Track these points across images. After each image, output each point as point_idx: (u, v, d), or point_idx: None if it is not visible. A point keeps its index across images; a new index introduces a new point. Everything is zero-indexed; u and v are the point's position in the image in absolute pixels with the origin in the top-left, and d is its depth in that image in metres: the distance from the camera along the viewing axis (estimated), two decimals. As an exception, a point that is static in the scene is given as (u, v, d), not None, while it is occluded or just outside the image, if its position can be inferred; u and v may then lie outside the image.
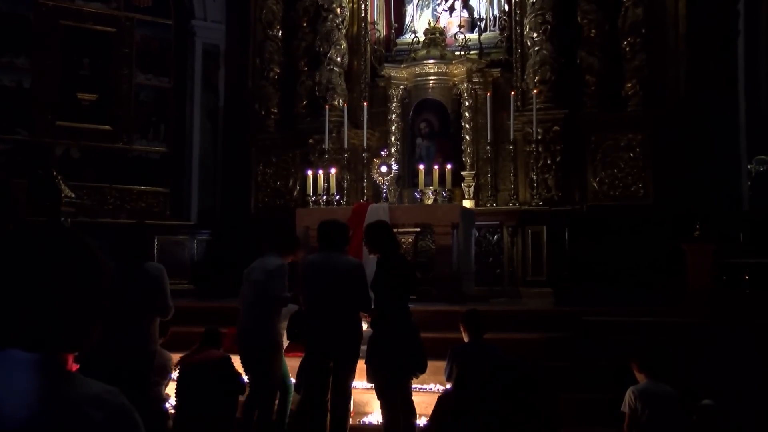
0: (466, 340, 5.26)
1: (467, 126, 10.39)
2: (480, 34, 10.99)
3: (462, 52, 10.75)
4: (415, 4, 11.56)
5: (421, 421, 5.30)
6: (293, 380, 5.72)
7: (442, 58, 10.54)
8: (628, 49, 9.69)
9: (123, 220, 10.03)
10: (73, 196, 8.77)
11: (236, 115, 11.87)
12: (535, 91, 9.67)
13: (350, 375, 5.29)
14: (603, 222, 9.36)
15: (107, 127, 10.38)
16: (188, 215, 11.53)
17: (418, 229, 9.24)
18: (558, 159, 9.76)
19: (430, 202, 8.98)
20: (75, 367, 4.99)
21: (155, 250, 10.15)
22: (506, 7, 10.80)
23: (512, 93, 9.87)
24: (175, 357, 5.63)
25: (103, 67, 10.51)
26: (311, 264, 5.38)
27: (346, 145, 10.15)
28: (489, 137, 9.85)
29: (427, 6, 11.45)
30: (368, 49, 11.30)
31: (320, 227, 5.45)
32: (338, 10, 10.82)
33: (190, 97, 11.80)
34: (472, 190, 10.25)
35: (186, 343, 5.87)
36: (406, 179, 10.54)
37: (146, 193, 10.65)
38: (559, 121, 9.80)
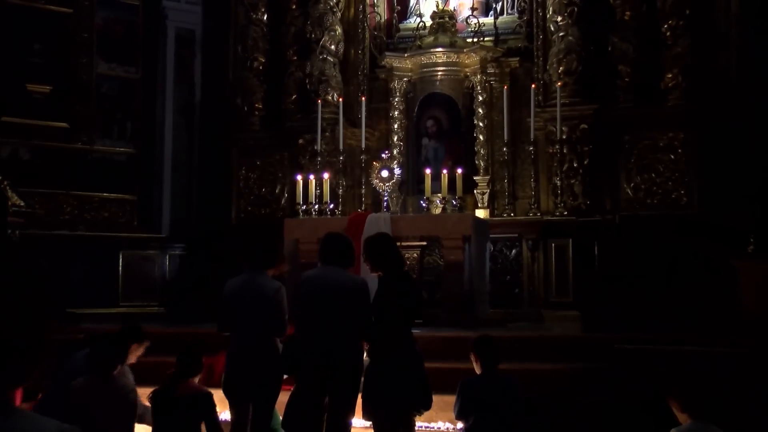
0: (477, 371, 5.22)
1: (481, 124, 10.40)
2: (496, 18, 11.01)
3: (475, 39, 10.78)
4: (421, -17, 11.58)
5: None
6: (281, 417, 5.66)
7: (452, 46, 10.56)
8: (668, 33, 9.65)
9: (82, 232, 10.01)
10: (22, 204, 8.72)
11: (215, 111, 11.87)
12: (559, 84, 9.66)
13: (349, 412, 5.25)
14: (639, 234, 9.31)
15: (63, 124, 10.32)
16: (159, 226, 11.50)
17: (425, 243, 9.23)
18: (586, 162, 9.74)
19: (438, 211, 8.96)
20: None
21: (119, 267, 10.13)
22: (526, -13, 10.83)
23: (533, 86, 9.85)
24: (144, 391, 5.58)
25: (58, 54, 10.38)
26: (309, 280, 5.35)
27: (341, 146, 10.14)
28: (506, 137, 9.84)
29: (435, -15, 11.48)
30: (367, 35, 11.33)
31: (325, 239, 5.44)
32: (332, -10, 10.85)
33: (161, 90, 11.80)
34: (486, 197, 10.25)
35: (156, 376, 5.81)
36: (411, 185, 10.54)
37: (109, 200, 10.59)
38: (588, 118, 9.79)
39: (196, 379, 5.50)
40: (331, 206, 9.53)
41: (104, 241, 10.14)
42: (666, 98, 9.69)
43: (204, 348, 6.25)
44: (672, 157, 9.63)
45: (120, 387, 5.27)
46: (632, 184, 9.76)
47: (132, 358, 5.62)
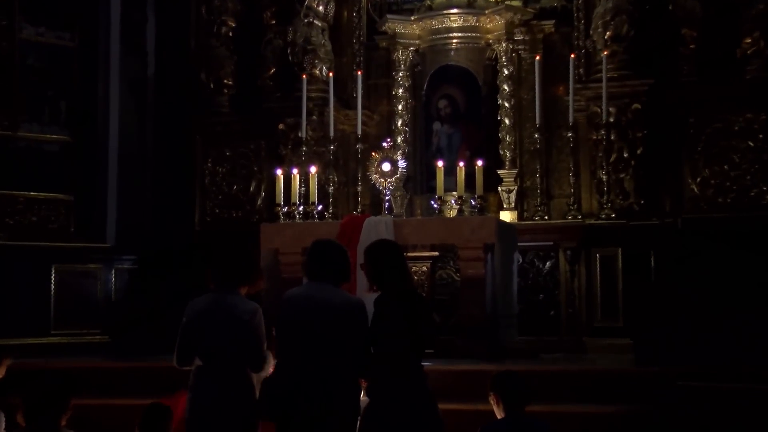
0: (499, 415, 5.21)
1: (506, 104, 10.43)
2: (525, -28, 11.03)
3: (499, -2, 10.78)
4: (430, -72, 11.59)
5: None
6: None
7: (471, 7, 10.61)
8: (747, -14, 9.68)
9: (2, 241, 9.96)
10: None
11: (173, 88, 11.89)
12: (605, 53, 9.68)
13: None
14: (707, 241, 9.30)
15: (-23, 105, 10.35)
16: (102, 234, 11.46)
17: (436, 254, 9.23)
18: (639, 151, 9.78)
19: (453, 214, 8.99)
20: None
21: (51, 285, 10.08)
22: (563, -68, 10.84)
23: (572, 56, 9.89)
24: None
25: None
26: (292, 300, 5.33)
27: (332, 133, 10.18)
28: (538, 120, 9.88)
29: (449, -69, 11.47)
30: (364, -7, 11.35)
31: (313, 249, 5.41)
32: (320, -64, 10.87)
33: (103, 61, 11.75)
34: (513, 196, 10.28)
35: (101, 422, 5.79)
36: (419, 181, 10.54)
37: (39, 201, 10.54)
38: (642, 96, 9.82)
39: None
40: (320, 208, 9.55)
41: (32, 252, 10.10)
42: (743, 70, 9.68)
43: (162, 389, 6.26)
44: (750, 144, 9.63)
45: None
46: (699, 179, 9.77)
47: None
